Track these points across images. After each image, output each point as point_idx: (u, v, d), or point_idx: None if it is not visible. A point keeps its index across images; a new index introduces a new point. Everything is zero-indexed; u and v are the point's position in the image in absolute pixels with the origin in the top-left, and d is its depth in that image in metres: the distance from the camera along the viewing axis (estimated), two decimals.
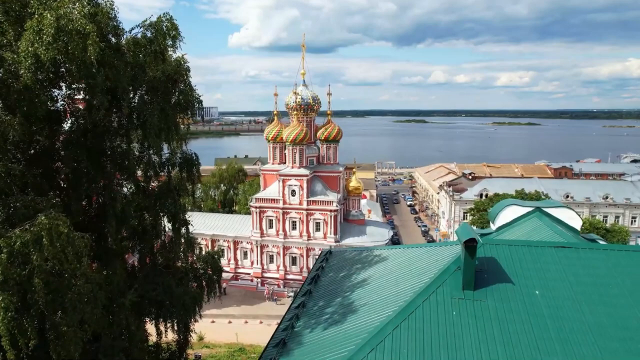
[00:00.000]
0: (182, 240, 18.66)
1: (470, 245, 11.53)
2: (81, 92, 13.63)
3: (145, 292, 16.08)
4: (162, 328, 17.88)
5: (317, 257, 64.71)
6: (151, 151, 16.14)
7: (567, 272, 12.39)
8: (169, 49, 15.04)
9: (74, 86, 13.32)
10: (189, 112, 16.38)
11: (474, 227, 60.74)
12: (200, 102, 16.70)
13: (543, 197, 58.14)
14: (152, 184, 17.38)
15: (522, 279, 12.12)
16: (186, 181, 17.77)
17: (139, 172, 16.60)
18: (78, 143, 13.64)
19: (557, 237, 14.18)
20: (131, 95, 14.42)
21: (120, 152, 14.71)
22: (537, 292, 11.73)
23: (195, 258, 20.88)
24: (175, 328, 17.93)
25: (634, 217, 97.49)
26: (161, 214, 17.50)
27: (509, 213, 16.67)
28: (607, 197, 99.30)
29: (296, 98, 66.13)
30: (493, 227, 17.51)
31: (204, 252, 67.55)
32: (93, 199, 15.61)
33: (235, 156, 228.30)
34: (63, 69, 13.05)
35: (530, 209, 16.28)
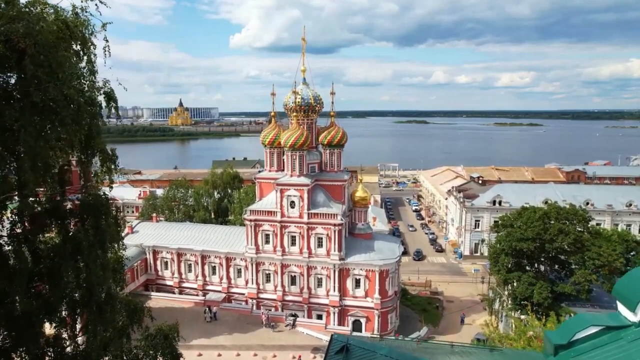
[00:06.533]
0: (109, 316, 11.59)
1: None
2: None
3: None
4: None
5: (319, 277, 58.32)
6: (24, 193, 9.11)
7: None
8: None
9: None
10: (71, 122, 9.07)
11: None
12: (116, 99, 9.56)
13: (581, 212, 51.03)
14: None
15: None
16: (91, 239, 10.49)
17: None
18: None
19: None
20: None
21: None
22: None
23: (145, 332, 13.85)
24: None
25: None
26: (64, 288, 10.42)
27: None
28: (630, 205, 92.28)
29: (296, 98, 59.09)
30: (633, 316, 10.51)
31: (193, 270, 59.95)
32: None
33: (234, 158, 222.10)
34: None
35: None
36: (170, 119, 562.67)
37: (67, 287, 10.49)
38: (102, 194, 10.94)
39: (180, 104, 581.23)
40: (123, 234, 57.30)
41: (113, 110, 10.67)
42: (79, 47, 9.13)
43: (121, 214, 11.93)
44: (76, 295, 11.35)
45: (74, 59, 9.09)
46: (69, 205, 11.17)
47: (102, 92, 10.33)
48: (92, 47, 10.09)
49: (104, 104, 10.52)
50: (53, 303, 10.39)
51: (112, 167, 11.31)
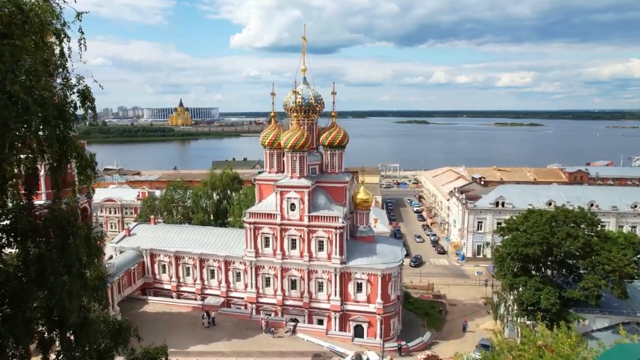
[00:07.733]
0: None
1: None
2: None
3: None
4: None
5: (319, 281, 56.97)
6: None
7: None
8: None
9: None
10: (16, 126, 7.69)
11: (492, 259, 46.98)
12: (93, 99, 8.18)
13: (590, 215, 49.75)
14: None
15: None
16: (56, 262, 9.08)
17: None
18: None
19: None
20: None
21: None
22: None
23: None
24: None
25: None
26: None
27: None
28: (635, 206, 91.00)
29: (296, 98, 57.77)
30: None
31: (192, 274, 58.58)
32: None
33: (234, 159, 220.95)
34: None
35: None
36: (171, 119, 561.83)
37: (34, 314, 9.20)
38: (68, 208, 9.53)
39: (181, 104, 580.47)
40: (121, 237, 55.19)
41: (90, 112, 9.40)
42: (38, 37, 7.82)
43: (95, 230, 10.56)
44: (55, 317, 10.07)
45: (31, 49, 7.76)
46: (52, 215, 9.79)
47: (75, 90, 9.10)
48: (65, 38, 8.85)
49: (79, 104, 9.35)
50: (16, 332, 9.06)
51: (92, 174, 10.02)
